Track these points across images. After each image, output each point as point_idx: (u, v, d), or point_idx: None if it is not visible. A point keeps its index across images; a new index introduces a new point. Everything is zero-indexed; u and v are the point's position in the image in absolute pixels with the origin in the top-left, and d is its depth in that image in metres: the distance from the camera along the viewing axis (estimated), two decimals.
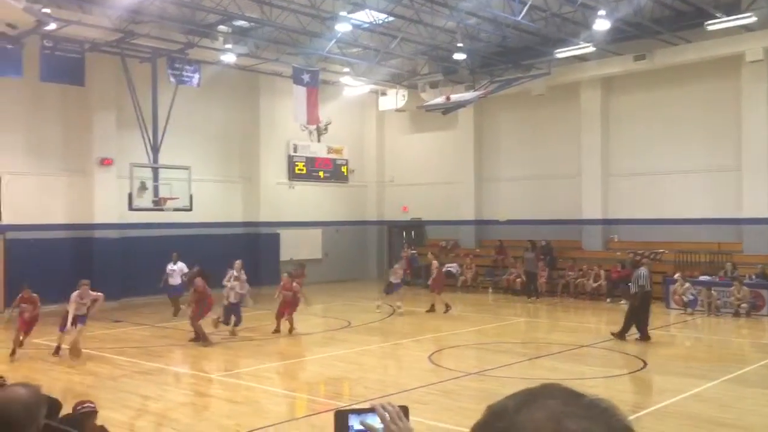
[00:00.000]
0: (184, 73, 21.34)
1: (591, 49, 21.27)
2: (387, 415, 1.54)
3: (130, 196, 20.19)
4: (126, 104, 21.07)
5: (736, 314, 18.11)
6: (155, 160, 21.05)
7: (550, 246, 23.79)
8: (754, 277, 19.14)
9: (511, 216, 26.04)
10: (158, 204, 20.65)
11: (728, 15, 18.94)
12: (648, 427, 8.49)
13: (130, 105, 20.87)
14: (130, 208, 20.42)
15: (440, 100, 24.70)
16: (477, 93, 24.27)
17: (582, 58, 22.88)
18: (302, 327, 16.02)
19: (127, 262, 21.17)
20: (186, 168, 21.25)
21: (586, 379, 11.46)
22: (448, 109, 24.94)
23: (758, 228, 20.68)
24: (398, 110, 28.28)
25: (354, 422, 1.65)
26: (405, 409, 1.62)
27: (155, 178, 20.78)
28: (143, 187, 20.61)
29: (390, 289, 19.17)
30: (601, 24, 18.47)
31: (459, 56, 22.36)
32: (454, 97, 24.43)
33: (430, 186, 28.27)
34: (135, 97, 20.88)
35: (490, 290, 24.30)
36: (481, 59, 24.32)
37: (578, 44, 20.92)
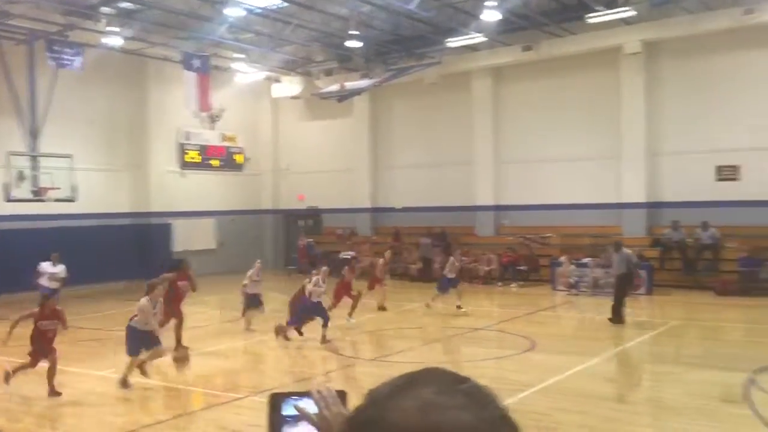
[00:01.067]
0: (65, 57, 20.22)
1: (482, 39, 21.78)
2: (322, 399, 1.49)
3: (6, 186, 19.02)
4: (0, 89, 19.80)
5: None
6: (34, 148, 19.90)
7: (445, 233, 24.28)
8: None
9: (407, 203, 26.38)
10: (38, 194, 19.55)
11: (608, 8, 19.87)
12: (535, 404, 8.84)
13: (5, 90, 19.62)
14: (7, 200, 19.24)
15: (335, 87, 24.65)
16: (371, 81, 24.38)
17: (473, 48, 23.39)
18: (197, 319, 15.63)
19: (4, 257, 19.92)
20: (68, 156, 20.22)
21: (479, 360, 11.81)
22: (343, 96, 24.93)
23: (636, 212, 21.94)
24: (293, 98, 27.98)
25: (288, 406, 1.62)
26: (342, 394, 1.58)
27: (34, 168, 19.65)
28: (21, 177, 19.46)
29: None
30: (491, 15, 18.94)
31: (353, 44, 22.35)
32: (349, 84, 24.44)
33: (327, 174, 28.19)
34: (10, 82, 19.64)
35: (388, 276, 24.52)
36: (376, 47, 24.41)
37: (469, 34, 21.37)
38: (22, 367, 10.06)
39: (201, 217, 26.50)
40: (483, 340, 14.05)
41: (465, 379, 1.10)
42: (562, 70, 23.17)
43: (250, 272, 15.10)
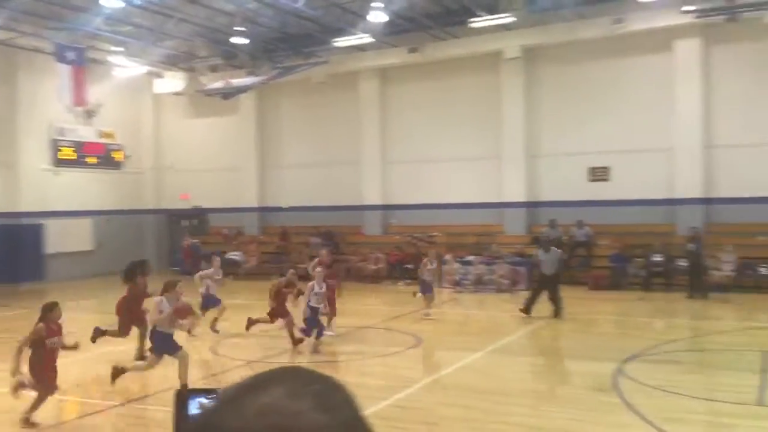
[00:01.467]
0: None
1: (369, 39, 21.94)
2: None
3: None
4: None
5: (499, 290, 19.85)
6: None
7: (332, 232, 24.29)
8: (513, 256, 21.05)
9: (295, 202, 26.19)
10: None
11: (490, 14, 20.54)
12: (421, 400, 9.01)
13: None
14: None
15: (220, 84, 24.12)
16: (258, 79, 24.02)
17: (360, 48, 23.53)
18: (72, 325, 14.82)
19: None
20: None
21: (365, 359, 11.89)
22: (229, 93, 24.43)
23: (516, 211, 22.81)
24: (176, 94, 27.14)
25: (193, 403, 1.56)
26: None
27: None
28: None
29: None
30: (378, 16, 19.13)
31: (239, 41, 21.94)
32: (235, 81, 23.99)
33: (212, 173, 27.54)
34: None
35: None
36: (262, 45, 24.08)
37: (356, 34, 21.49)
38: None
39: (77, 217, 25.18)
40: (369, 337, 14.16)
41: (320, 380, 1.02)
42: (447, 72, 23.72)
43: (209, 270, 14.37)
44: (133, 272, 11.87)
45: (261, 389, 0.96)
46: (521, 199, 22.81)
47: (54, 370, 8.50)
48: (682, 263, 18.39)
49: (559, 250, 16.28)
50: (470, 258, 21.24)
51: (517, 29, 21.61)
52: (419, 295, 16.02)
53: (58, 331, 8.58)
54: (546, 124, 22.74)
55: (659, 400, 8.88)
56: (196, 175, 27.84)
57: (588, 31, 21.12)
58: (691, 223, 19.71)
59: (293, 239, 24.89)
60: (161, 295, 9.85)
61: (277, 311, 12.71)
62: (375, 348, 12.96)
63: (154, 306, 9.89)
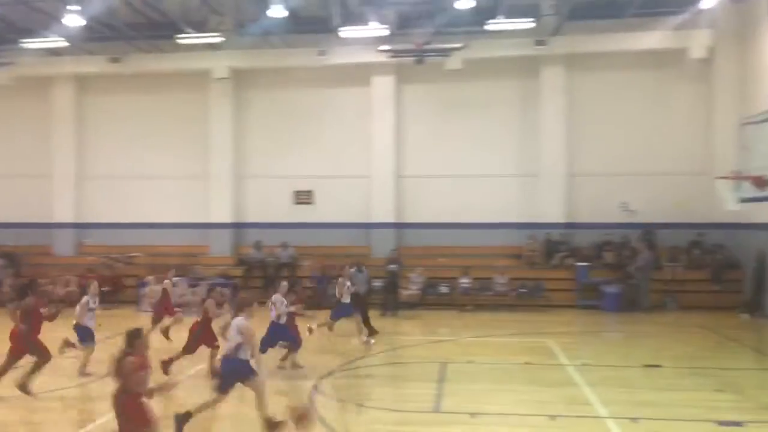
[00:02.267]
0: None
1: (64, 43, 20.26)
2: None
3: None
4: None
5: None
6: None
7: (15, 253, 21.82)
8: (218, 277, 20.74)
9: None
10: None
11: (198, 31, 20.23)
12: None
13: None
14: None
15: None
16: None
17: (56, 53, 21.62)
18: None
19: None
20: None
21: (50, 390, 10.78)
22: None
23: (222, 232, 22.62)
24: None
25: None
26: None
27: None
28: None
29: None
30: (73, 20, 17.75)
31: None
32: None
33: None
34: None
35: None
36: None
37: (49, 37, 19.70)
38: None
39: None
40: (57, 367, 12.84)
41: None
42: (153, 86, 22.83)
43: (85, 298, 11.78)
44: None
45: None
46: (227, 220, 22.68)
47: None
48: (378, 283, 19.68)
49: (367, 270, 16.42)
50: (175, 279, 20.43)
51: (226, 50, 21.60)
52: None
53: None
54: (254, 146, 22.97)
55: (350, 414, 9.34)
56: None
57: (294, 60, 21.88)
58: (385, 246, 21.29)
59: None
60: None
61: None
62: (59, 379, 11.78)
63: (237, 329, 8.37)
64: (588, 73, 21.38)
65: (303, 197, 22.81)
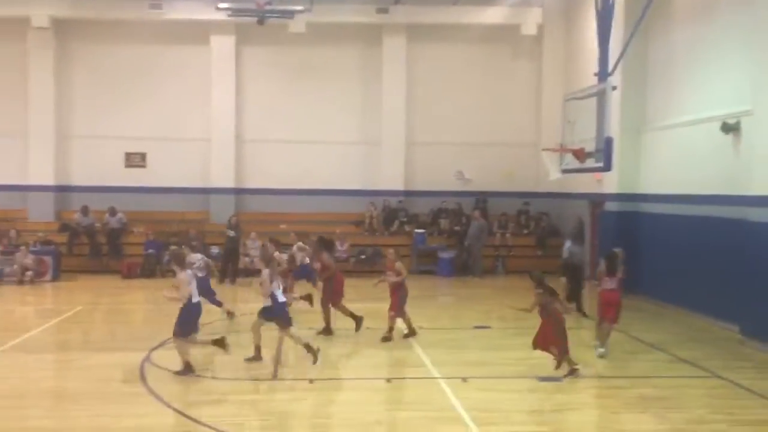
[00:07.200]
0: None
1: None
2: None
3: None
4: None
5: (21, 282, 17.92)
6: None
7: None
8: (38, 244, 19.22)
9: None
10: None
11: None
12: None
13: None
14: None
15: None
16: None
17: None
18: None
19: None
20: None
21: None
22: None
23: (43, 195, 20.98)
24: None
25: None
26: None
27: None
28: None
29: None
30: None
31: None
32: None
33: None
34: None
35: None
36: None
37: None
38: None
39: None
40: None
41: None
42: None
43: None
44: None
45: None
46: (49, 182, 21.06)
47: None
48: (215, 249, 19.14)
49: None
50: None
51: None
52: None
53: None
54: (79, 104, 21.46)
55: (182, 386, 9.04)
56: None
57: (124, 12, 20.59)
58: (224, 211, 20.71)
59: None
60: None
61: None
62: None
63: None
64: (428, 45, 21.86)
65: (135, 160, 21.65)
